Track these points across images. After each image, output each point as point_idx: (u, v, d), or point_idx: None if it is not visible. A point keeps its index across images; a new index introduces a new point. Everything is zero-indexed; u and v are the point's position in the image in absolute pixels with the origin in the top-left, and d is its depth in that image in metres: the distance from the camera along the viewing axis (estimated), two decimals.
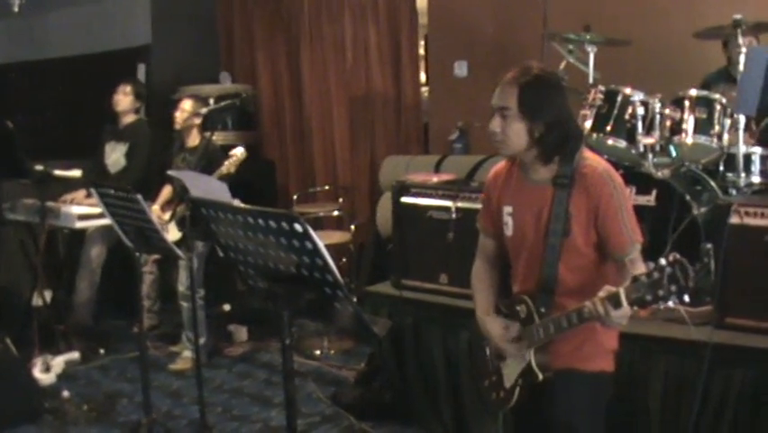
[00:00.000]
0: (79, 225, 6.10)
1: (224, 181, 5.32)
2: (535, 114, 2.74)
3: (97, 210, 5.14)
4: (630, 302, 2.34)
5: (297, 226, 2.26)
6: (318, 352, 6.08)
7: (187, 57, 8.30)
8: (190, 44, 8.42)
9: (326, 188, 7.83)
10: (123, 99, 6.52)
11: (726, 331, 3.75)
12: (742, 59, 4.60)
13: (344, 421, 4.88)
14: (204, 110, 5.81)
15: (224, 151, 5.61)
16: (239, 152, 5.42)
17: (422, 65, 7.81)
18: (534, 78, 2.76)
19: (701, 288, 4.09)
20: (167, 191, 5.98)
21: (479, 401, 4.02)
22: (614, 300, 2.38)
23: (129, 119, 6.59)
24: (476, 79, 6.95)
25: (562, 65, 5.30)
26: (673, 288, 2.25)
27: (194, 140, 5.95)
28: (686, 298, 2.26)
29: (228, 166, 5.34)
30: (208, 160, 5.52)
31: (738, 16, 4.66)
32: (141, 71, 8.19)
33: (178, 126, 5.95)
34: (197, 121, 5.92)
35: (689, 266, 2.24)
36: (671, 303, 2.29)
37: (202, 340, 5.44)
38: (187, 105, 5.94)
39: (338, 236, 6.90)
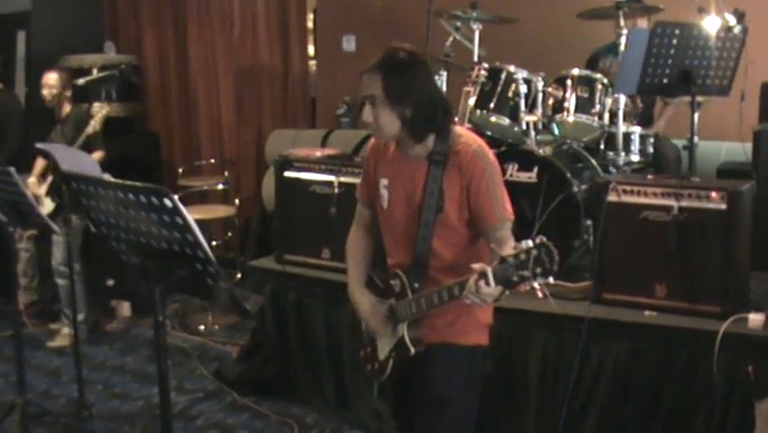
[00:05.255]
0: None
1: (94, 141, 5.21)
2: (402, 98, 2.76)
3: None
4: (497, 282, 2.37)
5: (167, 201, 2.22)
6: (203, 327, 6.01)
7: (70, 24, 8.06)
8: (73, 11, 8.17)
9: (212, 161, 7.73)
10: None
11: (603, 306, 3.84)
12: (623, 40, 4.71)
13: (227, 397, 4.85)
14: (81, 81, 5.65)
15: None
16: (103, 108, 5.30)
17: (310, 38, 7.76)
18: (396, 63, 2.79)
19: (580, 264, 4.20)
20: (40, 163, 5.75)
21: (358, 373, 4.04)
22: (482, 279, 2.41)
23: None
24: (364, 54, 6.92)
25: (449, 41, 5.34)
26: (538, 270, 2.29)
27: (66, 110, 5.75)
28: (550, 279, 2.31)
29: (93, 125, 5.22)
30: (77, 128, 5.37)
31: None
32: (21, 39, 7.89)
33: (49, 104, 5.73)
34: (68, 93, 5.73)
35: (554, 249, 2.29)
36: (535, 284, 2.33)
37: (81, 316, 5.31)
38: (51, 80, 5.69)
39: (223, 210, 6.85)
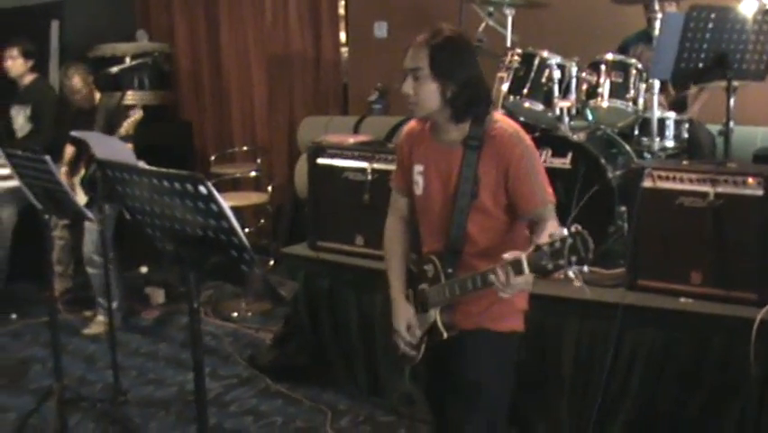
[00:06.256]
0: None
1: (124, 140, 5.23)
2: (447, 74, 2.74)
3: (7, 171, 4.99)
4: (531, 270, 2.37)
5: (202, 188, 2.21)
6: (236, 314, 6.04)
7: (103, 13, 8.11)
8: (106, 0, 8.23)
9: (244, 148, 7.75)
10: (13, 64, 6.31)
11: (637, 293, 3.82)
12: (657, 24, 4.65)
13: (261, 383, 4.88)
14: (114, 69, 5.66)
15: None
16: (136, 113, 5.32)
17: (342, 25, 7.74)
18: (446, 39, 2.76)
19: (615, 250, 4.17)
20: (69, 151, 5.79)
21: (391, 359, 4.05)
22: (516, 267, 2.41)
23: (27, 80, 6.41)
24: (395, 40, 6.90)
25: (481, 27, 5.30)
26: (573, 258, 2.28)
27: (95, 100, 5.81)
28: (585, 268, 2.30)
29: (126, 127, 5.23)
30: (109, 121, 5.40)
31: None
32: (55, 29, 7.94)
33: (84, 105, 5.78)
34: (92, 85, 5.78)
35: (589, 238, 2.28)
36: (570, 272, 2.32)
37: (114, 304, 5.35)
38: (77, 84, 5.72)
39: (256, 197, 6.86)
